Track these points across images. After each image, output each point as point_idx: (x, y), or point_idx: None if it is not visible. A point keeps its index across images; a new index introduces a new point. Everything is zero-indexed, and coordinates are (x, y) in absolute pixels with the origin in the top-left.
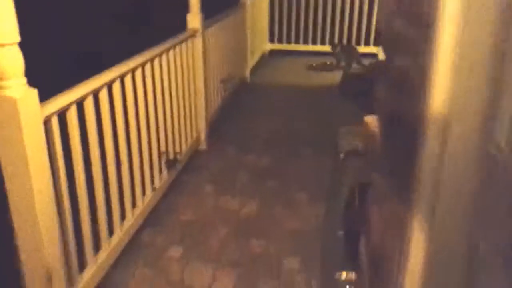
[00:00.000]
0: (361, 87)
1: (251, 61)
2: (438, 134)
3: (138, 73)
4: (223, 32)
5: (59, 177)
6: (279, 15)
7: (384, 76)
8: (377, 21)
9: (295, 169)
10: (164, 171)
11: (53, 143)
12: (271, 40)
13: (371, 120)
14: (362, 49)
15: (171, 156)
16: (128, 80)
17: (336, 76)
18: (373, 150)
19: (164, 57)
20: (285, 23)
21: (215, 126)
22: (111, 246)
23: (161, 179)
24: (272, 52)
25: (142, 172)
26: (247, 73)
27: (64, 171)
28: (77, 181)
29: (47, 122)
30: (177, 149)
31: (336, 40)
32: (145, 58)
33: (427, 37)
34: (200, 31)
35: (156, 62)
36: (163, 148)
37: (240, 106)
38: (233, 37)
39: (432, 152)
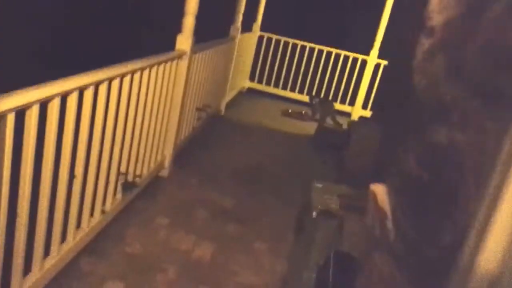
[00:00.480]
0: (333, 142)
1: (229, 95)
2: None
3: (115, 83)
4: (209, 60)
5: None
6: (264, 55)
7: (410, 145)
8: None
9: (258, 215)
10: (119, 194)
11: (3, 144)
12: (251, 78)
13: (380, 191)
14: (337, 106)
15: (130, 178)
16: (103, 88)
17: (309, 127)
18: (380, 227)
19: (146, 72)
20: (268, 64)
21: (181, 154)
22: (43, 269)
23: (114, 201)
24: (250, 90)
25: (95, 190)
26: (223, 106)
27: (9, 176)
28: (20, 189)
29: (0, 118)
30: (138, 172)
31: (313, 92)
32: (126, 69)
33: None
34: (188, 54)
35: (137, 75)
36: (123, 168)
37: (211, 138)
38: (218, 68)
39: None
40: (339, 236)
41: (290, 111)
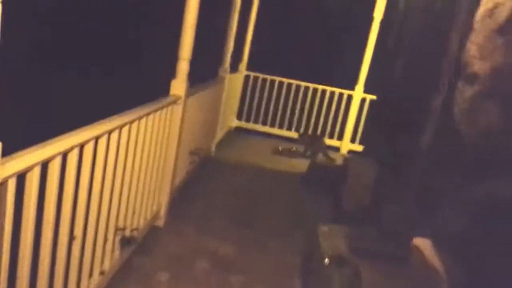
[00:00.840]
0: (327, 178)
1: (218, 135)
2: None
3: (114, 136)
4: (202, 103)
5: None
6: (251, 94)
7: (456, 200)
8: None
9: (260, 263)
10: (117, 251)
11: (4, 209)
12: (239, 117)
13: (425, 246)
14: (327, 141)
15: (128, 233)
16: (102, 142)
17: (301, 164)
18: (430, 283)
19: (143, 121)
20: (255, 102)
21: (176, 201)
22: None
23: (112, 259)
24: (238, 129)
25: (94, 249)
26: (213, 147)
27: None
28: (21, 253)
29: (2, 184)
30: (135, 225)
31: (302, 129)
32: (124, 120)
33: None
34: (183, 99)
35: (134, 125)
36: (121, 223)
37: (203, 182)
38: (209, 109)
39: None
40: (358, 286)
41: (280, 148)
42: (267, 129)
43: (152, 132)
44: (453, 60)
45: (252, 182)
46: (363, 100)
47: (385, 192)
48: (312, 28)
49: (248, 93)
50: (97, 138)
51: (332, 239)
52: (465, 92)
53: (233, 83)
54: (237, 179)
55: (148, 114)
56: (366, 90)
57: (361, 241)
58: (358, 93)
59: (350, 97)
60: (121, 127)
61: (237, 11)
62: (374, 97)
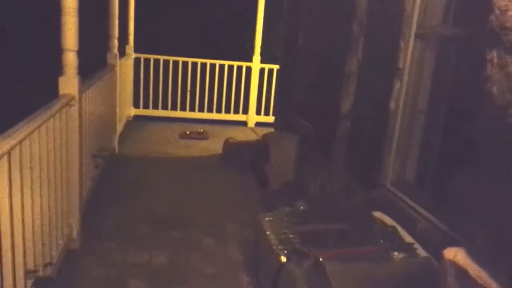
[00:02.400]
0: (248, 157)
1: (119, 128)
2: None
3: (2, 164)
4: (97, 97)
5: None
6: (145, 77)
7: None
8: None
9: (201, 265)
10: None
11: None
12: (136, 105)
13: (462, 259)
14: (232, 116)
15: (41, 272)
16: None
17: (213, 145)
18: None
19: (34, 137)
20: (151, 87)
21: (88, 216)
22: None
23: None
24: (137, 118)
25: None
26: (115, 142)
27: None
28: None
29: None
30: (47, 259)
31: (205, 108)
32: (10, 143)
33: None
34: (77, 98)
35: (24, 145)
36: (30, 264)
37: (113, 185)
38: (105, 102)
39: None
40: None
41: (188, 132)
42: (169, 113)
43: (47, 146)
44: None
45: (167, 175)
46: (261, 71)
47: (310, 165)
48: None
49: (142, 77)
50: None
51: (279, 229)
52: (508, 65)
53: (124, 69)
54: (150, 174)
55: (38, 126)
56: (263, 60)
57: (307, 225)
58: (256, 64)
59: (249, 69)
60: (9, 152)
61: None
62: (274, 66)
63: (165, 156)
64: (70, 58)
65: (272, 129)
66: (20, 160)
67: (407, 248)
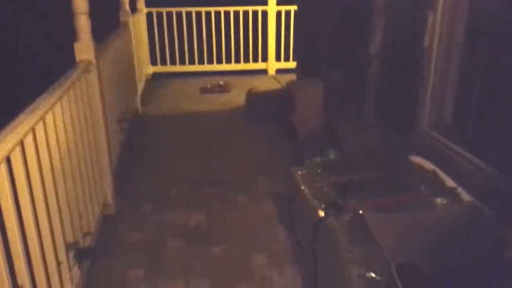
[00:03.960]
0: (272, 108)
1: (140, 88)
2: None
3: (29, 140)
4: (114, 59)
5: None
6: (159, 32)
7: None
8: None
9: (236, 222)
10: (75, 268)
11: None
12: (153, 62)
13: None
14: (252, 66)
15: (81, 243)
16: (16, 156)
17: (235, 97)
18: None
19: (57, 109)
20: (166, 41)
21: (119, 180)
22: None
23: (73, 281)
24: (156, 76)
25: (49, 282)
26: (138, 103)
27: None
28: None
29: None
30: (85, 229)
31: (223, 58)
32: (34, 118)
33: None
34: (94, 63)
35: (48, 118)
36: (69, 236)
37: (141, 147)
38: (123, 63)
39: None
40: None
41: (208, 86)
42: (187, 67)
43: (71, 116)
44: None
45: (192, 132)
46: (278, 14)
47: (338, 111)
48: None
49: (156, 32)
50: (8, 154)
51: (313, 183)
52: None
53: (137, 26)
54: (175, 133)
55: (59, 98)
56: (280, 2)
57: (340, 175)
58: (272, 7)
59: (265, 14)
60: (33, 128)
61: None
62: (291, 8)
63: (189, 112)
64: (83, 22)
65: (294, 75)
66: (46, 135)
67: (450, 193)
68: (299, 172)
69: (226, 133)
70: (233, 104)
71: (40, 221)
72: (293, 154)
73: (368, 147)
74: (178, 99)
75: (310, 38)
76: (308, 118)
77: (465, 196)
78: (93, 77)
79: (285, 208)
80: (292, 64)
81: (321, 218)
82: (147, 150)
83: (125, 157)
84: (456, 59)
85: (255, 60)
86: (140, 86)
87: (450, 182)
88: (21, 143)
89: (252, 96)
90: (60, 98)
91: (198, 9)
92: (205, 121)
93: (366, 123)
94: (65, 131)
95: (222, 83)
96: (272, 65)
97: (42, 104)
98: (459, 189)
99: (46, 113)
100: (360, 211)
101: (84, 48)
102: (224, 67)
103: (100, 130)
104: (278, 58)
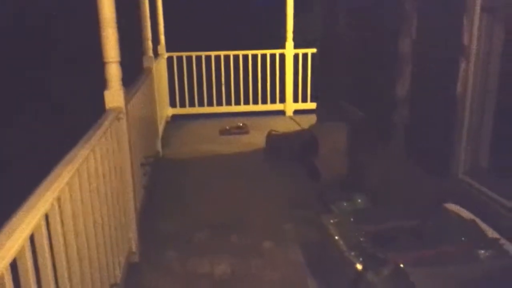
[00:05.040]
0: (290, 148)
1: (160, 130)
2: None
3: (65, 195)
4: (140, 104)
5: None
6: (179, 75)
7: None
8: None
9: (264, 271)
10: None
11: None
12: (172, 104)
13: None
14: (269, 107)
15: None
16: (54, 210)
17: (254, 139)
18: None
19: (91, 159)
20: (186, 85)
21: (143, 225)
22: None
23: None
24: (175, 118)
25: None
26: (159, 146)
27: None
28: None
29: None
30: (112, 279)
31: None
32: (71, 171)
33: None
34: (124, 110)
35: (83, 169)
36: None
37: (163, 190)
38: (147, 108)
39: None
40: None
41: (227, 127)
42: (206, 109)
43: (102, 165)
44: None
45: (213, 174)
46: (295, 57)
47: (364, 154)
48: None
49: (176, 75)
50: (46, 212)
51: (346, 232)
52: None
53: (158, 70)
54: (196, 175)
55: (93, 148)
56: (296, 45)
57: (374, 224)
58: (289, 50)
59: (282, 56)
60: (69, 182)
61: None
62: (308, 50)
63: (209, 154)
64: (114, 70)
65: (313, 116)
66: (80, 187)
67: (493, 245)
68: (331, 221)
69: (248, 175)
70: (253, 145)
71: (73, 276)
72: (318, 198)
73: (399, 192)
74: (198, 141)
75: (332, 80)
76: (332, 160)
77: (510, 248)
78: (123, 124)
79: (315, 257)
80: (309, 105)
81: (360, 272)
82: (169, 193)
83: (148, 200)
84: (490, 104)
85: (273, 101)
86: (161, 129)
87: (491, 233)
88: (58, 199)
89: (272, 138)
90: (93, 149)
91: (217, 53)
92: (226, 163)
93: (396, 166)
94: (97, 182)
95: (241, 124)
96: (290, 106)
97: (77, 157)
98: (502, 240)
99: (81, 165)
100: (401, 265)
101: (115, 96)
102: (242, 108)
103: (127, 176)
104: (295, 99)
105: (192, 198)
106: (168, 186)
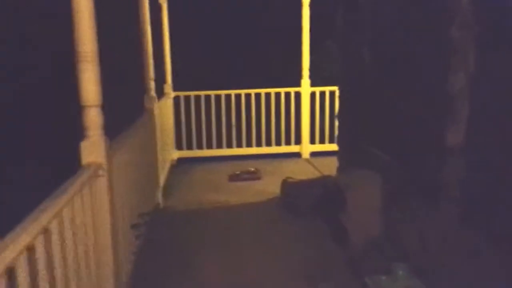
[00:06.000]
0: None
1: (162, 178)
2: None
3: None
4: (133, 153)
5: None
6: (186, 116)
7: None
8: None
9: None
10: None
11: None
12: (178, 147)
13: None
14: (284, 149)
15: None
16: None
17: (268, 186)
18: None
19: (54, 225)
20: (193, 126)
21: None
22: None
23: None
24: (181, 161)
25: None
26: (160, 196)
27: None
28: None
29: None
30: None
31: (253, 142)
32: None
33: None
34: (105, 165)
35: (39, 242)
36: None
37: (163, 251)
38: (144, 154)
39: None
40: None
41: (238, 172)
42: (215, 152)
43: (72, 231)
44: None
45: (222, 230)
46: (312, 95)
47: (402, 213)
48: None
49: (183, 116)
50: None
51: None
52: None
53: (163, 111)
54: (202, 231)
55: (55, 216)
56: (313, 84)
57: None
58: (305, 88)
59: (297, 95)
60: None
61: (147, 22)
62: (326, 88)
63: (217, 205)
64: (92, 116)
65: (332, 159)
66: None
67: None
68: None
69: (261, 231)
70: (266, 194)
71: None
72: (347, 267)
73: (451, 264)
74: (205, 189)
75: (356, 122)
76: (364, 220)
77: None
78: (103, 183)
79: None
80: (327, 147)
81: None
82: (170, 255)
83: (142, 267)
84: None
85: (288, 142)
86: (163, 175)
87: None
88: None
89: (289, 186)
90: (56, 215)
91: (228, 91)
92: (236, 215)
93: (445, 232)
94: (62, 253)
95: (253, 169)
96: (306, 148)
97: (34, 225)
98: None
99: (36, 236)
100: None
101: (93, 148)
102: (254, 150)
103: (105, 248)
104: (312, 141)
105: (194, 257)
106: (167, 245)
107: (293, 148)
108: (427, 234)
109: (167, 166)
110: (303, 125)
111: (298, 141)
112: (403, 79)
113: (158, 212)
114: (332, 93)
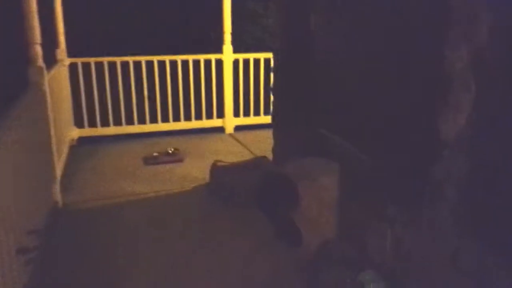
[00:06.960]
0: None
1: (59, 168)
2: None
3: None
4: (8, 151)
5: None
6: (86, 87)
7: None
8: None
9: None
10: None
11: None
12: (79, 124)
13: None
14: (206, 123)
15: None
16: None
17: (192, 169)
18: None
19: None
20: (96, 99)
21: None
22: None
23: None
24: (83, 141)
25: None
26: (57, 191)
27: None
28: None
29: None
30: None
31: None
32: None
33: None
34: None
35: None
36: None
37: (65, 272)
38: (29, 148)
39: None
40: None
41: (155, 154)
42: (124, 129)
43: None
44: None
45: (140, 233)
46: (236, 62)
47: (368, 211)
48: None
49: (82, 87)
50: None
51: None
52: None
53: (56, 82)
54: (111, 236)
55: None
56: (236, 50)
57: None
58: (228, 55)
59: (219, 63)
60: None
61: None
62: (250, 55)
63: (132, 198)
64: None
65: (259, 133)
66: None
67: None
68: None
69: (190, 231)
70: (191, 180)
71: None
72: (301, 276)
73: (439, 276)
74: (115, 177)
75: (306, 98)
76: (319, 218)
77: None
78: None
79: None
80: (254, 119)
81: None
82: (75, 270)
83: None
84: None
85: (209, 116)
86: (61, 163)
87: None
88: None
89: (219, 171)
90: None
91: (136, 58)
92: (156, 210)
93: (429, 237)
94: None
95: (173, 149)
96: (230, 122)
97: None
98: None
99: None
100: None
101: None
102: (172, 126)
103: None
104: (236, 114)
105: (101, 277)
106: (70, 263)
107: (216, 123)
108: (405, 239)
109: (65, 149)
110: (226, 97)
111: (220, 114)
112: (376, 50)
113: (56, 215)
114: (256, 61)
